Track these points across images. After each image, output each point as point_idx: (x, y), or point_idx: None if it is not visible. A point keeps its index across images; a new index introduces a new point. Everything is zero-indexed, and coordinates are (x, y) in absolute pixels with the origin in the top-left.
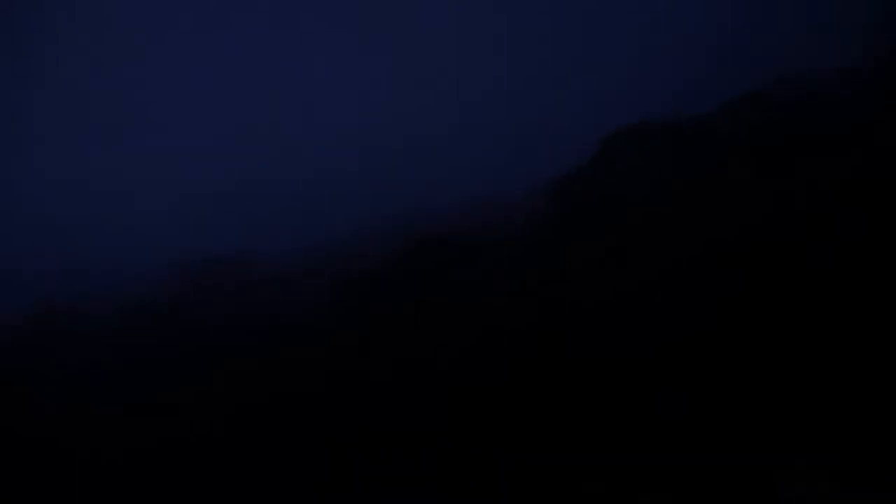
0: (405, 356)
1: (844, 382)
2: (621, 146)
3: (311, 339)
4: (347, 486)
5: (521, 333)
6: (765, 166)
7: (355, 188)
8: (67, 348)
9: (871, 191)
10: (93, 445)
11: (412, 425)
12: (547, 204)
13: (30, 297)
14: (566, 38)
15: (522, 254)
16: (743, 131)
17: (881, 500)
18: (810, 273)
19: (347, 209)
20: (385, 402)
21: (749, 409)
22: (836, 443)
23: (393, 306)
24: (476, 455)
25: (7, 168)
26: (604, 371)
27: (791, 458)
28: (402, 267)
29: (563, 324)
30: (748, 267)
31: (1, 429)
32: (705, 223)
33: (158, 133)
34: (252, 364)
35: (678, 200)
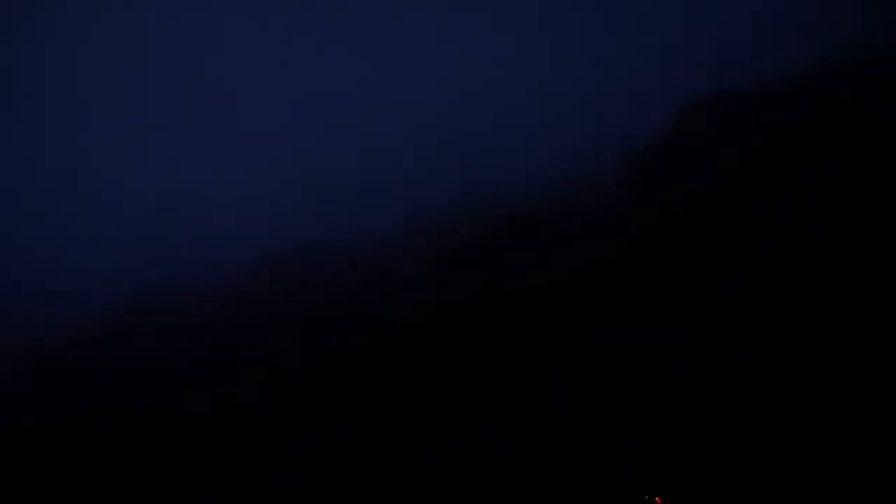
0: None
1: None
2: (697, 117)
3: (399, 320)
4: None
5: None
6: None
7: (431, 174)
8: (162, 341)
9: None
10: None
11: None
12: (623, 179)
13: (124, 293)
14: (637, 8)
15: (596, 235)
16: (821, 100)
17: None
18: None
19: (424, 194)
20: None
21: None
22: (836, 443)
23: (474, 286)
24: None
25: (105, 170)
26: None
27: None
28: (484, 247)
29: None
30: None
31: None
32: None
33: (241, 133)
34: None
35: (755, 168)
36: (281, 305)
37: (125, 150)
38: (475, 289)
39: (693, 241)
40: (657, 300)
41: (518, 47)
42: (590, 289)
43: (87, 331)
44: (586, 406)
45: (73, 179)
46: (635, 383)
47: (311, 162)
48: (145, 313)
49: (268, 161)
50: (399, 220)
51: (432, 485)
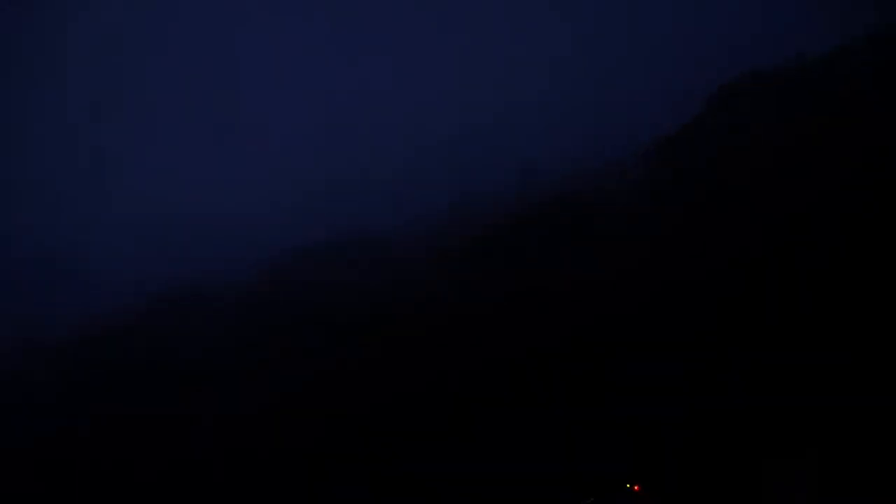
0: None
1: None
2: (732, 98)
3: (418, 314)
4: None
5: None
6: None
7: (436, 172)
8: (185, 335)
9: None
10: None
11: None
12: (653, 165)
13: (148, 288)
14: None
15: (609, 233)
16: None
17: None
18: None
19: (428, 192)
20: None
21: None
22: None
23: (494, 280)
24: None
25: (127, 167)
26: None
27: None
28: (507, 238)
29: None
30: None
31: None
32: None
33: (258, 133)
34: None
35: (800, 150)
36: (282, 306)
37: (130, 151)
38: (482, 288)
39: (713, 237)
40: (670, 299)
41: (529, 36)
42: (599, 289)
43: (88, 331)
44: (585, 405)
45: (81, 182)
46: (637, 383)
47: (315, 161)
48: (149, 315)
49: (272, 161)
50: (401, 219)
51: (434, 487)
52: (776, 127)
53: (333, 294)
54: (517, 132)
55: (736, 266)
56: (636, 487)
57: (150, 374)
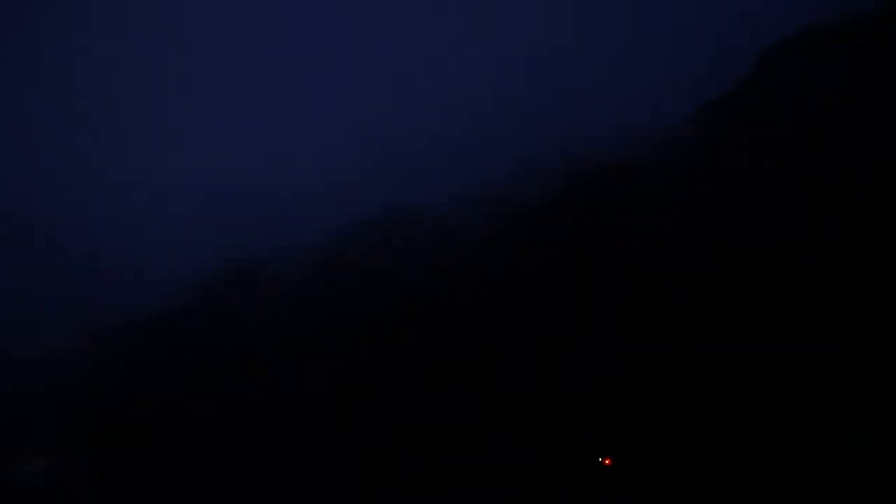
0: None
1: None
2: (780, 59)
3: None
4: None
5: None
6: None
7: (510, 130)
8: (250, 303)
9: None
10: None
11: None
12: (700, 130)
13: (214, 257)
14: None
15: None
16: None
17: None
18: None
19: (503, 152)
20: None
21: None
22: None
23: (551, 251)
24: None
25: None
26: None
27: None
28: (559, 207)
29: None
30: None
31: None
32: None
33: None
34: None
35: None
36: (332, 283)
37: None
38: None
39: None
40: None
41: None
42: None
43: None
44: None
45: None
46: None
47: (370, 135)
48: (205, 294)
49: (329, 136)
50: (456, 187)
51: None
52: (779, 124)
53: (383, 270)
54: (563, 112)
55: (732, 265)
56: (607, 461)
57: (208, 353)
